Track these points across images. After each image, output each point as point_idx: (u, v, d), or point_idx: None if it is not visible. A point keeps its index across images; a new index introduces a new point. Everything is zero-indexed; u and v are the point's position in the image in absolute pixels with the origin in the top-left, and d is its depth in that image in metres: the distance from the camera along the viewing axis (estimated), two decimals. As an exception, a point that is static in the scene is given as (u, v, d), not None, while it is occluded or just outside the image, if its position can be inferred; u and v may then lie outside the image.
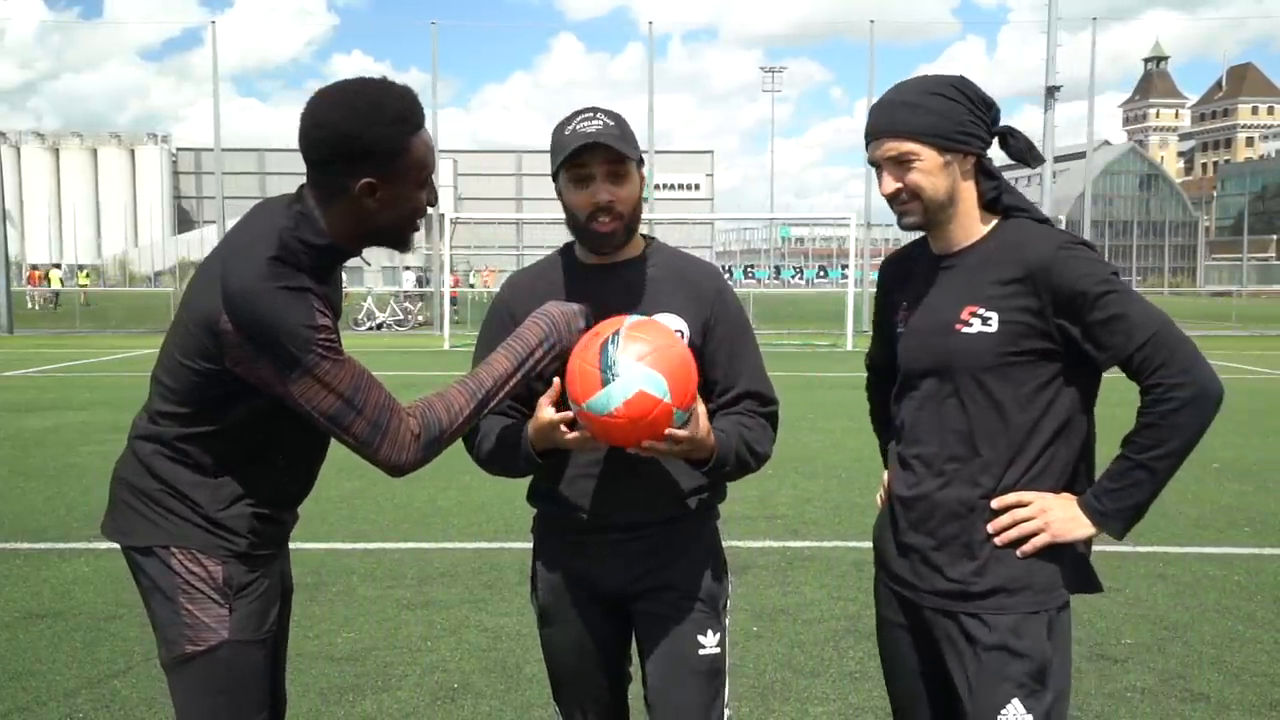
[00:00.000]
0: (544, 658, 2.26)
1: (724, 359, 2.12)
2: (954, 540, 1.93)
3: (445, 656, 4.06)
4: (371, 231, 1.87)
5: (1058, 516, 1.86)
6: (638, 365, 1.84)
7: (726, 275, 6.55)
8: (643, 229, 2.20)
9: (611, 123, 2.01)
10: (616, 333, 1.89)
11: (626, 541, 2.11)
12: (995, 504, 1.90)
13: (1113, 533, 1.88)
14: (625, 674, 2.26)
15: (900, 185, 1.90)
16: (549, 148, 2.06)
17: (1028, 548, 1.87)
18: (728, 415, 2.12)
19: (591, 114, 2.03)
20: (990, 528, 1.90)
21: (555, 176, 2.06)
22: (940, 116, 1.88)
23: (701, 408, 1.96)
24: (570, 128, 2.02)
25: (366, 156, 1.77)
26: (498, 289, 2.34)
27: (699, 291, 2.13)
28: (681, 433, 1.89)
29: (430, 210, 1.94)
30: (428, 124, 1.89)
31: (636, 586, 2.13)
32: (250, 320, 1.73)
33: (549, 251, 2.24)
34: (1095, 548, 1.97)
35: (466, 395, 1.88)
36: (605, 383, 1.84)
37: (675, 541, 2.14)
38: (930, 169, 1.88)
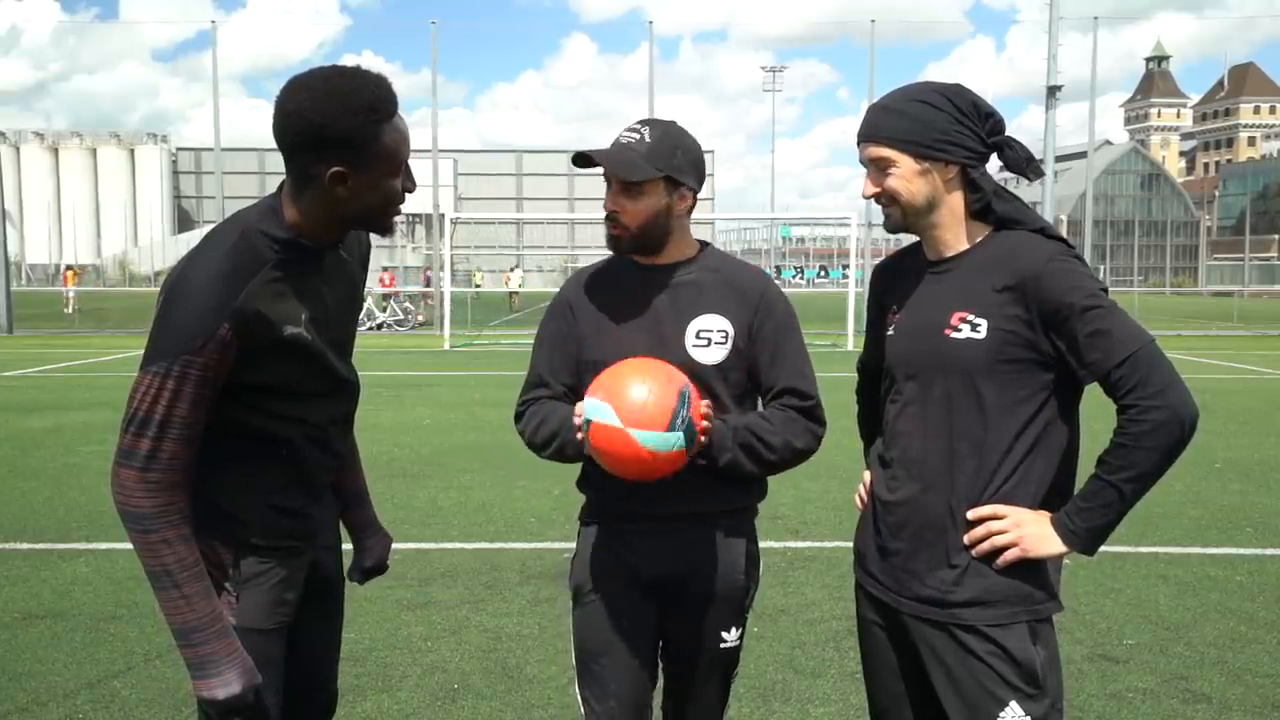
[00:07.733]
0: (573, 642, 2.27)
1: (766, 359, 2.19)
2: (932, 548, 1.92)
3: (445, 657, 4.06)
4: (345, 219, 1.86)
5: (1030, 532, 1.85)
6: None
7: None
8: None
9: (641, 137, 2.10)
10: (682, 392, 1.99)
11: (667, 533, 2.18)
12: (971, 515, 1.88)
13: (1082, 551, 1.86)
14: (654, 663, 2.28)
15: (878, 190, 1.93)
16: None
17: (999, 562, 1.87)
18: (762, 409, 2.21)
19: (638, 126, 2.13)
20: (965, 539, 1.89)
21: None
22: (920, 124, 1.88)
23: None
24: (619, 134, 2.13)
25: (335, 145, 1.74)
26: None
27: (744, 295, 2.19)
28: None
29: (409, 196, 1.93)
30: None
31: (671, 577, 2.20)
32: (164, 298, 1.75)
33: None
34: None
35: (172, 570, 1.76)
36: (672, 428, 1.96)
37: (713, 537, 2.20)
38: (906, 175, 1.90)
